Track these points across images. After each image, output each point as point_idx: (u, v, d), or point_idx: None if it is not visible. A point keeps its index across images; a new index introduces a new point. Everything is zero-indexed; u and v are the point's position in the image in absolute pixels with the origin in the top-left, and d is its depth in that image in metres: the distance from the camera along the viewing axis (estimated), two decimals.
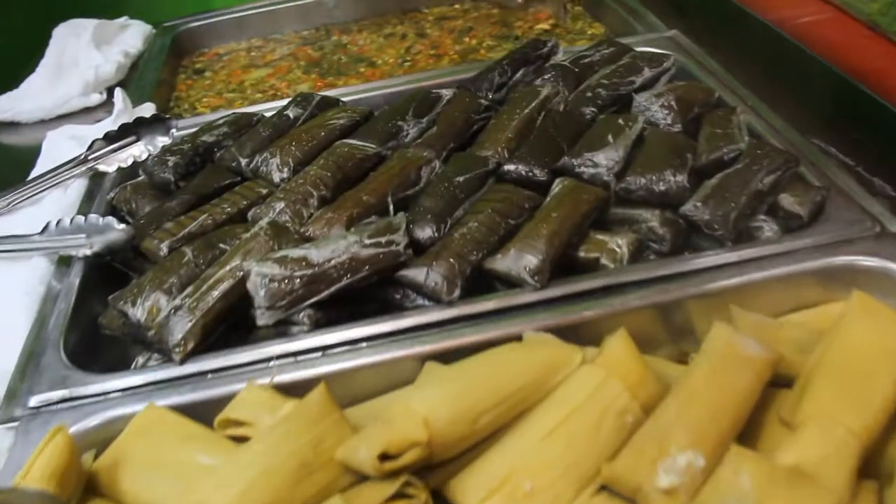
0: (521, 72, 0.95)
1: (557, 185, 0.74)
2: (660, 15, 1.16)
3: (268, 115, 0.94)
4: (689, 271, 0.67)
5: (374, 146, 0.82)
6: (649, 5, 1.19)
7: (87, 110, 1.19)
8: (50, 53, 1.25)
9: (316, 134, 0.86)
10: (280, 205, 0.75)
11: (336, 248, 0.65)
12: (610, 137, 0.77)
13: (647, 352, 0.65)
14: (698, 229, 0.70)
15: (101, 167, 0.94)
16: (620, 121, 0.81)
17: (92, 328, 0.73)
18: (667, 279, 0.66)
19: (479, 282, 0.68)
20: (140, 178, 0.89)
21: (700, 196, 0.71)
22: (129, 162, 0.94)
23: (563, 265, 0.68)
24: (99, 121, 1.10)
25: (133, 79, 1.25)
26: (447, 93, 0.91)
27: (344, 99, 0.99)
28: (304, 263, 0.65)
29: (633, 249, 0.69)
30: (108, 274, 0.79)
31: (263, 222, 0.71)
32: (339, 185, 0.77)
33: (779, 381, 0.55)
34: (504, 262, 0.67)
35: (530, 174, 0.76)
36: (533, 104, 0.86)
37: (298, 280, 0.64)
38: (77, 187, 0.93)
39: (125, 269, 0.79)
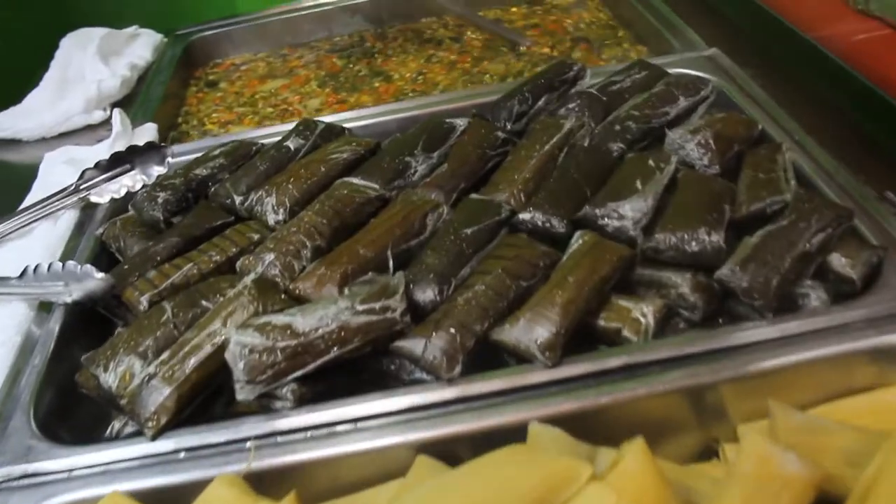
0: (543, 99, 0.87)
1: (577, 241, 0.66)
2: (699, 30, 1.06)
3: (273, 139, 0.89)
4: (724, 349, 0.59)
5: (376, 187, 0.75)
6: (688, 18, 1.10)
7: (90, 127, 1.14)
8: (55, 66, 1.20)
9: (316, 170, 0.79)
10: (270, 256, 0.68)
11: (325, 314, 0.59)
12: (638, 183, 0.69)
13: (670, 439, 0.57)
14: (735, 296, 0.62)
15: (93, 198, 0.89)
16: (651, 162, 0.72)
17: (68, 384, 0.68)
18: (697, 358, 0.58)
19: (485, 350, 0.61)
20: (130, 213, 0.83)
21: (738, 258, 0.62)
22: (122, 193, 0.89)
23: (580, 334, 0.61)
24: (101, 140, 1.05)
25: (140, 93, 1.20)
26: (461, 122, 0.84)
27: (352, 125, 0.93)
28: (288, 332, 0.58)
29: (660, 318, 0.62)
30: (91, 318, 0.74)
31: (249, 280, 0.65)
32: (336, 233, 0.70)
33: (826, 500, 0.47)
34: (512, 333, 0.59)
35: (548, 225, 0.69)
36: (555, 139, 0.78)
37: (282, 351, 0.58)
38: (68, 219, 0.88)
39: (109, 315, 0.74)
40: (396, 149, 0.81)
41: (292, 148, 0.84)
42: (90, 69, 1.19)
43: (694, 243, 0.63)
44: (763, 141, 0.80)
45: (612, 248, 0.64)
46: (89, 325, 0.74)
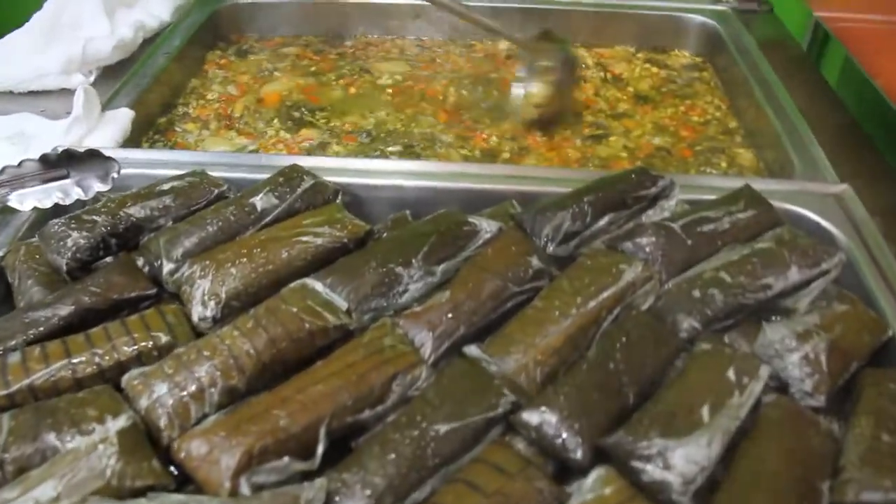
0: (607, 218, 0.65)
1: (592, 490, 0.44)
2: (834, 154, 0.82)
3: (259, 174, 0.73)
4: None
5: (342, 309, 0.55)
6: (821, 136, 0.86)
7: (66, 92, 0.95)
8: (49, 6, 1.01)
9: (275, 253, 0.59)
10: (163, 388, 0.48)
11: None
12: (705, 411, 0.48)
13: None
14: None
15: (12, 202, 0.70)
16: (731, 373, 0.51)
17: None
18: None
19: None
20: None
21: None
22: (49, 205, 0.70)
23: None
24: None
25: (138, 62, 1.01)
26: (489, 227, 0.63)
27: (355, 181, 0.74)
28: None
29: None
30: None
31: (113, 429, 0.45)
32: (264, 371, 0.51)
33: None
34: None
35: (559, 443, 0.47)
36: (606, 293, 0.57)
37: None
38: None
39: None
40: (389, 249, 0.60)
41: (259, 208, 0.64)
42: (89, 19, 1.01)
43: None
44: (890, 350, 0.57)
45: None
46: None
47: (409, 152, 0.92)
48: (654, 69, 1.11)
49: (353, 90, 1.05)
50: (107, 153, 0.72)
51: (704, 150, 0.93)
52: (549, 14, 1.15)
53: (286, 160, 0.74)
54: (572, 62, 0.94)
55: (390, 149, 0.92)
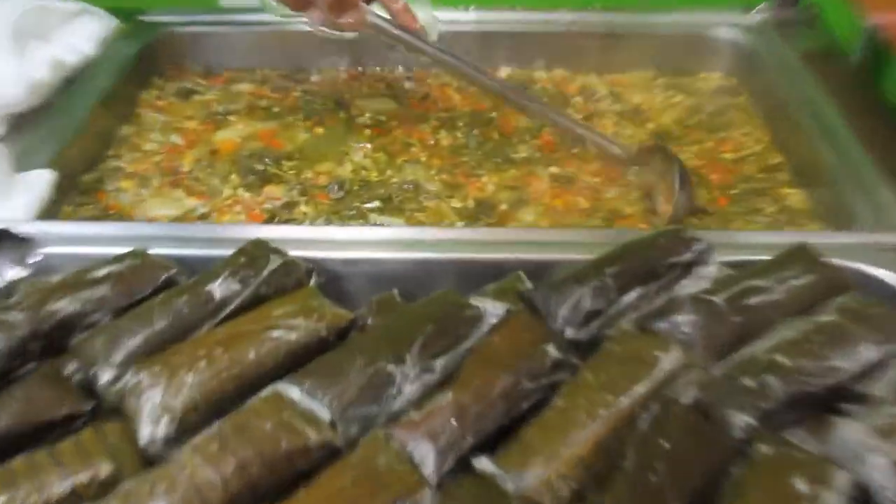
0: (635, 292, 0.67)
1: None
2: None
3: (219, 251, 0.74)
4: None
5: (324, 425, 0.55)
6: (886, 166, 0.88)
7: None
8: None
9: (241, 353, 0.61)
10: None
11: None
12: None
13: None
14: None
15: None
16: (801, 484, 0.52)
17: None
18: None
19: None
20: None
21: None
22: None
23: None
24: None
25: (56, 108, 1.02)
26: (495, 309, 0.64)
27: (330, 255, 0.74)
28: None
29: None
30: None
31: None
32: None
33: None
34: None
35: None
36: (640, 386, 0.59)
37: None
38: None
39: None
40: (377, 342, 0.61)
41: (218, 297, 0.65)
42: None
43: None
44: None
45: None
46: None
47: (389, 207, 0.93)
48: (678, 97, 1.14)
49: (319, 130, 1.07)
50: (21, 230, 0.73)
51: (743, 194, 0.95)
52: (552, 38, 1.19)
53: (247, 231, 0.76)
54: (686, 177, 0.93)
55: (367, 205, 0.94)
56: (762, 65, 1.13)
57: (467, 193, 0.97)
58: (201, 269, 0.70)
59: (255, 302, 0.66)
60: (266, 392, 0.58)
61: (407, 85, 1.18)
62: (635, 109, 1.13)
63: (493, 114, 1.11)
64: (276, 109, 1.13)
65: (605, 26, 1.20)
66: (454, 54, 1.00)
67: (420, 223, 0.91)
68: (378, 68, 1.21)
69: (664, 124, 1.09)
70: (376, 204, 0.95)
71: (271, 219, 0.92)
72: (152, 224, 0.90)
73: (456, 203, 0.95)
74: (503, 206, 0.95)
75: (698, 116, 1.11)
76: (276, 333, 0.62)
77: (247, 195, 0.96)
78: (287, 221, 0.91)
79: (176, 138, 1.07)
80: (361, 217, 0.92)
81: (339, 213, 0.93)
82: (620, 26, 1.20)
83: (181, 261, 0.72)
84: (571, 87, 1.17)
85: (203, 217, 0.93)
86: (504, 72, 1.20)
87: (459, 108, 1.13)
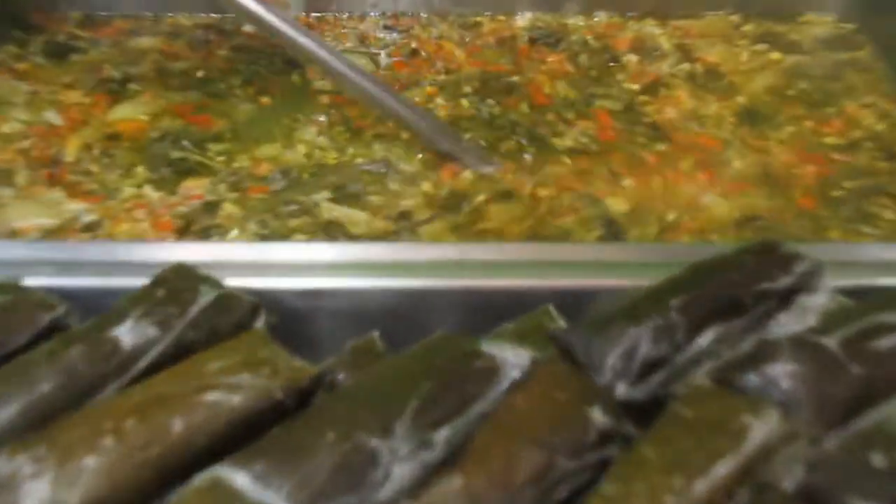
0: (712, 331, 0.71)
1: None
2: None
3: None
4: None
5: None
6: None
7: None
8: None
9: (164, 426, 0.64)
10: None
11: None
12: None
13: None
14: None
15: None
16: None
17: None
18: None
19: None
20: None
21: None
22: None
23: None
24: None
25: None
26: (515, 359, 0.68)
27: (283, 284, 0.78)
28: None
29: None
30: None
31: None
32: None
33: None
34: None
35: None
36: (722, 467, 0.62)
37: None
38: None
39: None
40: (354, 408, 0.65)
41: (126, 346, 0.69)
42: None
43: None
44: None
45: None
46: None
47: (343, 195, 0.97)
48: (773, 53, 1.18)
49: (265, 100, 1.11)
50: None
51: (852, 195, 1.00)
52: None
53: (163, 250, 0.79)
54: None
55: (316, 196, 0.98)
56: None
57: (441, 180, 1.02)
58: (99, 308, 0.73)
59: (181, 352, 0.70)
60: (201, 480, 0.61)
61: (386, 37, 1.22)
62: (713, 70, 1.17)
63: (516, 77, 1.15)
64: (199, 74, 1.16)
65: None
66: (320, 41, 1.05)
67: (375, 212, 0.96)
68: (345, 14, 1.25)
69: (756, 94, 1.13)
70: (326, 194, 0.99)
71: (185, 228, 0.96)
72: (22, 241, 0.93)
73: (427, 187, 0.99)
74: (480, 197, 1.00)
75: (801, 83, 1.15)
76: (211, 396, 0.66)
77: (156, 195, 1.00)
78: (206, 231, 0.95)
79: (52, 116, 1.10)
80: (306, 213, 0.96)
81: (275, 209, 0.97)
82: None
83: (69, 295, 0.76)
84: (621, 40, 1.21)
85: (90, 227, 0.97)
86: (524, 19, 1.24)
87: (466, 69, 1.17)
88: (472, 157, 1.07)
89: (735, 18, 1.24)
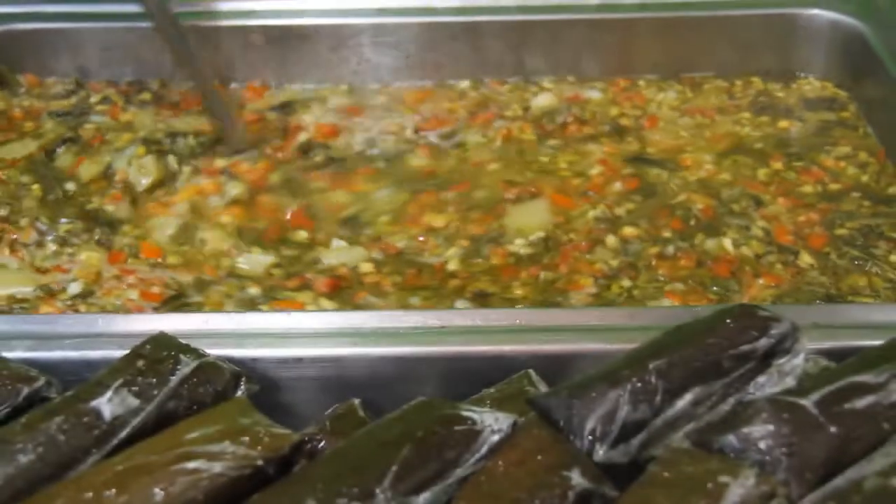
0: (690, 393, 0.74)
1: None
2: None
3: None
4: None
5: None
6: None
7: None
8: None
9: (145, 496, 0.67)
10: None
11: None
12: None
13: None
14: None
15: None
16: None
17: None
18: None
19: None
20: None
21: None
22: None
23: None
24: None
25: None
26: (495, 423, 0.71)
27: (263, 353, 0.82)
28: None
29: None
30: None
31: None
32: None
33: None
34: None
35: None
36: None
37: None
38: None
39: None
40: (335, 474, 0.68)
41: (107, 416, 0.72)
42: None
43: None
44: None
45: None
46: None
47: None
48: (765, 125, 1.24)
49: None
50: None
51: (842, 239, 1.04)
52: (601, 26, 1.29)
53: (142, 322, 0.82)
54: None
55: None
56: (875, 61, 1.21)
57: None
58: (79, 378, 0.76)
59: (162, 422, 0.73)
60: None
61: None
62: None
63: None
64: None
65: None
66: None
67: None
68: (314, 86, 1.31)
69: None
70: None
71: (175, 299, 0.99)
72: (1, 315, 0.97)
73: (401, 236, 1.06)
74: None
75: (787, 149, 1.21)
76: (192, 465, 0.68)
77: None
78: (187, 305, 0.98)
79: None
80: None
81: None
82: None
83: (47, 367, 0.79)
84: None
85: (71, 302, 1.00)
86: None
87: None
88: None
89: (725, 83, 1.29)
